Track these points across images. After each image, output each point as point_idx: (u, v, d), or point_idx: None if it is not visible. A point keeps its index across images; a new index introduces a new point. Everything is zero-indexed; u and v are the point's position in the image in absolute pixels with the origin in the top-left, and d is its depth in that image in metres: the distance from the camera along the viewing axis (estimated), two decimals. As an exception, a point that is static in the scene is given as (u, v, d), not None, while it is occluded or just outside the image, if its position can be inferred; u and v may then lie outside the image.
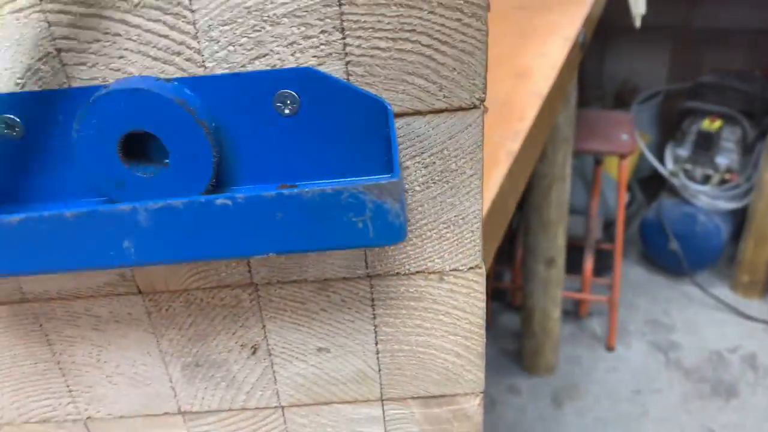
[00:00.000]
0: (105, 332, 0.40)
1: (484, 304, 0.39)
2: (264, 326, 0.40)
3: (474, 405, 0.43)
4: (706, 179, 1.96)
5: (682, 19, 2.19)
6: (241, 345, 0.41)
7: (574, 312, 2.00)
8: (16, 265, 0.29)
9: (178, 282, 0.38)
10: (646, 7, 1.46)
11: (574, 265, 1.83)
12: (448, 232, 0.36)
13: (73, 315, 0.39)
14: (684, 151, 2.00)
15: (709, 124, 1.92)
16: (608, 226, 2.00)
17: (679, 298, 2.05)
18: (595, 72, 2.34)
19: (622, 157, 1.59)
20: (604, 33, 2.04)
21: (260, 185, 0.33)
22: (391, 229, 0.28)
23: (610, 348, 1.89)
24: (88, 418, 0.44)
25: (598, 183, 1.76)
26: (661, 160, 2.08)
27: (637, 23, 1.42)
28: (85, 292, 0.38)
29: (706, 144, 1.93)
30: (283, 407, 0.44)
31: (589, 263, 1.82)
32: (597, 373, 1.84)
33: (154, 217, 0.28)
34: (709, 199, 1.94)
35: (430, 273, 0.38)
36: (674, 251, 1.98)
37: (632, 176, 2.19)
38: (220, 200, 0.28)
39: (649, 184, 2.29)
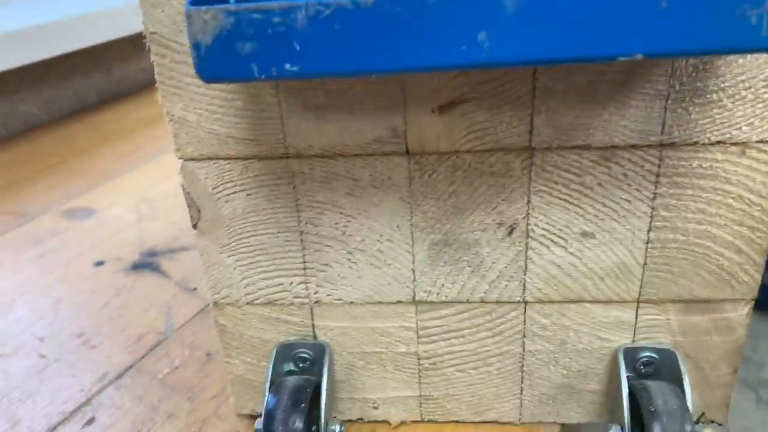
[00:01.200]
0: (359, 199, 0.38)
1: (782, 187, 0.35)
2: (529, 201, 0.37)
3: (741, 314, 0.39)
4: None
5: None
6: (498, 223, 0.38)
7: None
8: (364, 60, 0.27)
9: (451, 141, 0.36)
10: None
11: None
12: (766, 93, 0.33)
13: (331, 176, 0.37)
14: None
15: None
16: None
17: (770, 335, 1.93)
18: None
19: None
20: None
21: None
22: (787, 28, 0.25)
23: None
24: (316, 302, 0.42)
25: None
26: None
27: None
28: (351, 149, 0.36)
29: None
30: (526, 302, 0.40)
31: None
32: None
33: (521, 1, 0.26)
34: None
35: (732, 144, 0.34)
36: (767, 285, 1.87)
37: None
38: (600, -15, 0.25)
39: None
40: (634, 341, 0.41)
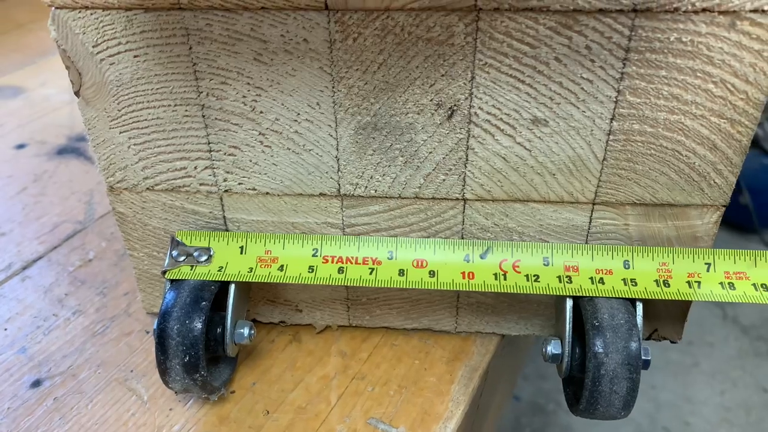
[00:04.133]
0: (269, 66, 0.31)
1: (774, 72, 0.29)
2: (473, 78, 0.31)
3: (709, 223, 0.34)
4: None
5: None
6: (437, 104, 0.32)
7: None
8: None
9: (379, -4, 0.29)
10: None
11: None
12: (769, -55, 0.26)
13: (234, 36, 0.31)
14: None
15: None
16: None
17: (745, 253, 1.93)
18: None
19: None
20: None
21: None
22: None
23: (664, 297, 1.78)
24: (226, 191, 0.36)
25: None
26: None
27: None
28: (257, 0, 0.30)
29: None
30: (465, 200, 0.35)
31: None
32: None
33: None
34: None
35: (720, 12, 0.28)
36: (745, 205, 1.84)
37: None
38: None
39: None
40: (585, 248, 0.36)
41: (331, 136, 0.33)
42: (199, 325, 0.33)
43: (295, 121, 0.33)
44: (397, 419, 0.36)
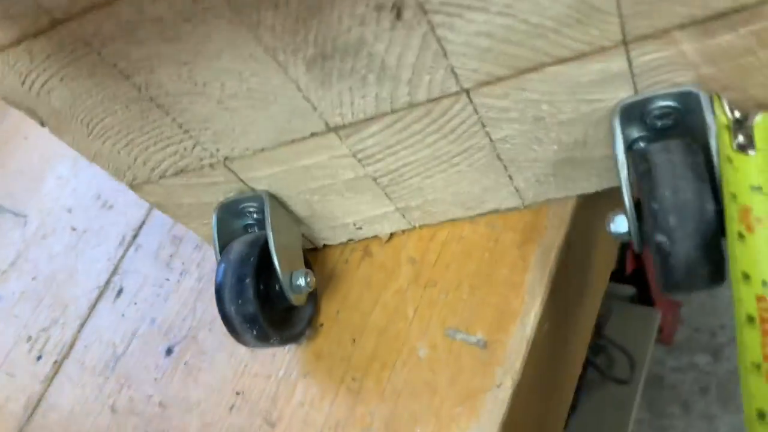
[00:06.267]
0: (180, 41, 0.27)
1: None
2: (401, -36, 0.23)
3: (802, 12, 0.24)
4: None
5: None
6: (376, 8, 0.25)
7: None
8: None
9: None
10: None
11: None
12: None
13: (125, 27, 0.26)
14: None
15: None
16: None
17: None
18: None
19: None
20: None
21: None
22: None
23: None
24: (226, 158, 0.34)
25: None
26: None
27: None
28: (120, -16, 0.25)
29: None
30: (467, 90, 0.29)
31: None
32: None
33: None
34: None
35: None
36: None
37: None
38: None
39: None
40: (636, 92, 0.28)
41: (287, 81, 0.29)
42: (251, 308, 0.34)
43: (241, 79, 0.29)
44: (473, 325, 0.34)
